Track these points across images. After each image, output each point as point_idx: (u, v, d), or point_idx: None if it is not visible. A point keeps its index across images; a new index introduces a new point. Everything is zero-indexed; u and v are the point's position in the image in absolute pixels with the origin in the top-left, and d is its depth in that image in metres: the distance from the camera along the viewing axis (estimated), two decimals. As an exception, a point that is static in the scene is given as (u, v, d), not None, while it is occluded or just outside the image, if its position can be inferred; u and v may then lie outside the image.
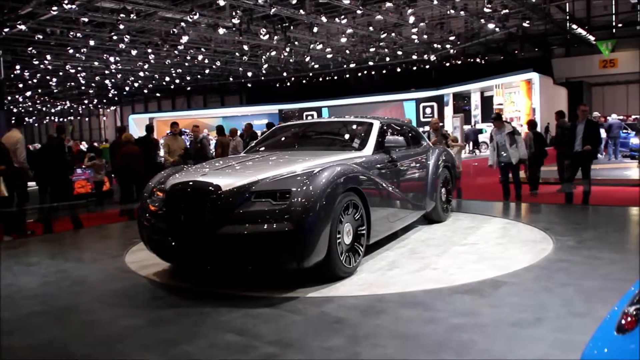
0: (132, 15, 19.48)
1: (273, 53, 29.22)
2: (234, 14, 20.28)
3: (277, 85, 41.94)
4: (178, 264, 5.06)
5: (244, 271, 4.63)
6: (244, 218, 4.12)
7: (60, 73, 32.65)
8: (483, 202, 9.36)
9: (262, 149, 6.19)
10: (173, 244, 4.39)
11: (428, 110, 35.11)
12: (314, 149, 5.97)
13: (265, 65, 34.03)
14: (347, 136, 6.21)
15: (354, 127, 6.40)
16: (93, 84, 39.38)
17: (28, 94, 40.07)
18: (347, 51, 30.49)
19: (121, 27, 20.65)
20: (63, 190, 9.10)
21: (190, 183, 4.40)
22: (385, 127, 6.21)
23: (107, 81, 38.26)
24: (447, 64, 34.60)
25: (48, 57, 26.80)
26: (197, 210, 4.23)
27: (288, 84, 41.30)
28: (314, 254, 4.11)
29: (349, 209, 4.55)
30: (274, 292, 4.27)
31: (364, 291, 4.16)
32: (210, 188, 4.23)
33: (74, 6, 17.41)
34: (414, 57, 32.55)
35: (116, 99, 49.32)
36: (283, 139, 6.58)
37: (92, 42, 23.11)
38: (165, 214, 4.50)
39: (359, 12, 21.90)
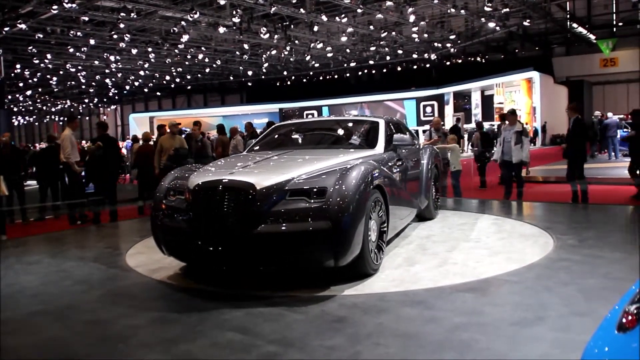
0: (132, 14, 19.49)
1: (273, 52, 29.22)
2: (234, 12, 20.29)
3: (278, 84, 41.95)
4: (203, 266, 4.91)
5: (278, 271, 4.56)
6: (281, 217, 4.07)
7: (61, 72, 32.66)
8: (476, 200, 9.36)
9: (269, 147, 5.99)
10: (204, 246, 4.20)
11: (428, 109, 35.09)
12: (325, 147, 5.92)
13: (266, 64, 34.04)
14: (357, 134, 6.18)
15: (362, 125, 6.41)
16: (93, 83, 39.39)
17: (28, 93, 40.08)
18: (348, 50, 30.48)
19: (121, 26, 20.65)
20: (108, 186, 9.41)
21: (222, 182, 4.22)
22: (389, 125, 6.29)
23: (107, 80, 38.27)
24: (448, 63, 34.61)
25: (48, 56, 26.80)
26: (231, 209, 4.10)
27: (288, 82, 41.31)
28: (351, 251, 4.11)
29: (376, 207, 4.58)
30: (275, 291, 4.28)
31: (398, 287, 4.18)
32: (245, 187, 4.12)
33: (74, 5, 17.41)
34: (415, 56, 32.55)
35: (117, 98, 49.32)
36: (290, 137, 6.46)
37: (92, 41, 23.12)
38: (192, 215, 4.32)
39: (359, 11, 21.89)
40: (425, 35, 27.85)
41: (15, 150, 10.33)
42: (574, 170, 8.93)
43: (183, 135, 10.81)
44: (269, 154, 5.33)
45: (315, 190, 4.16)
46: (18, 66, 28.42)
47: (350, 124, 6.64)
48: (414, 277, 4.44)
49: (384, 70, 36.98)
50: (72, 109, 53.09)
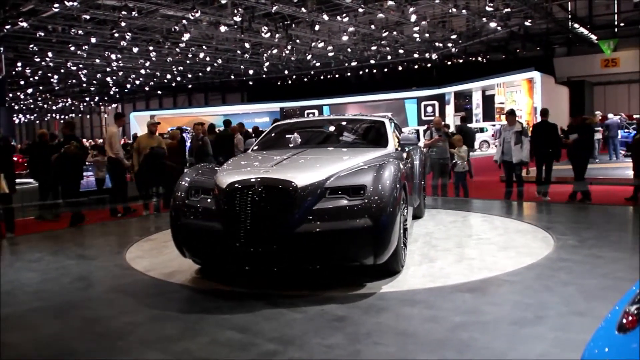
0: (133, 13, 19.48)
1: (274, 51, 29.22)
2: (235, 11, 20.29)
3: (279, 83, 41.93)
4: (234, 269, 4.71)
5: (317, 269, 4.45)
6: (323, 215, 4.02)
7: (62, 70, 32.65)
8: (478, 200, 9.35)
9: (278, 146, 5.82)
10: (244, 247, 4.02)
11: (429, 109, 35.09)
12: (339, 145, 5.81)
13: (267, 63, 34.02)
14: (367, 133, 6.15)
15: (369, 124, 6.40)
16: (94, 82, 39.40)
17: (29, 91, 40.09)
18: (349, 49, 30.47)
19: (123, 24, 20.66)
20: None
21: (261, 181, 4.08)
22: (392, 124, 6.30)
23: (108, 78, 38.25)
24: (449, 63, 34.58)
25: (49, 54, 26.79)
26: (273, 208, 3.99)
27: (289, 82, 41.28)
28: (389, 248, 4.13)
29: (403, 204, 4.61)
30: (274, 289, 4.28)
31: (434, 282, 4.24)
32: (287, 185, 4.02)
33: (75, 3, 17.40)
34: (416, 55, 32.52)
35: (117, 96, 49.32)
36: (298, 136, 6.25)
37: (93, 40, 23.10)
38: (227, 215, 4.11)
39: (360, 10, 21.89)
40: (427, 34, 27.83)
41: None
42: (541, 172, 9.09)
43: (186, 134, 10.78)
44: (283, 152, 5.08)
45: (354, 188, 4.13)
46: (19, 64, 28.42)
47: (356, 123, 6.58)
48: (442, 273, 4.49)
49: (385, 70, 36.94)
50: (72, 107, 53.16)
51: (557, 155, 9.31)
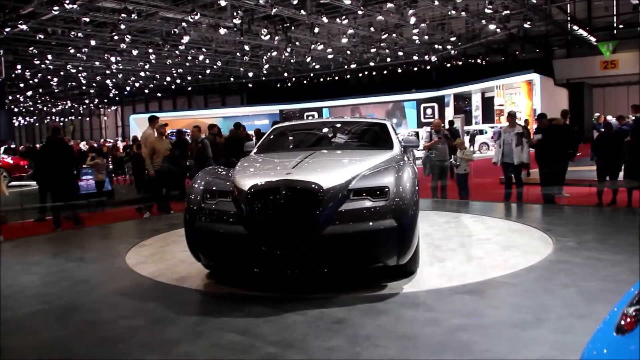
0: (133, 15, 19.47)
1: (274, 53, 29.21)
2: (235, 14, 20.29)
3: (278, 85, 41.93)
4: (257, 272, 4.65)
5: (340, 272, 4.48)
6: (349, 216, 4.03)
7: (61, 73, 32.64)
8: (477, 202, 9.36)
9: (283, 149, 5.81)
10: (270, 251, 3.98)
11: (429, 111, 35.11)
12: (347, 147, 5.75)
13: (266, 66, 34.02)
14: (372, 136, 6.12)
15: (372, 126, 6.39)
16: (94, 84, 39.38)
17: (29, 93, 40.08)
18: (348, 52, 30.47)
19: (122, 27, 20.64)
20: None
21: (286, 183, 4.05)
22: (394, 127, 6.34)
23: (108, 81, 38.25)
24: (448, 65, 34.58)
25: (49, 56, 26.79)
26: (300, 211, 3.97)
27: (289, 84, 41.29)
28: (411, 249, 4.17)
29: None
30: (275, 292, 4.29)
31: (451, 282, 4.28)
32: (313, 187, 4.01)
33: (75, 6, 17.41)
34: (415, 57, 32.55)
35: (117, 98, 49.32)
36: (301, 138, 6.24)
37: (93, 42, 23.09)
38: (252, 219, 4.06)
39: (360, 12, 21.90)
40: (426, 37, 27.84)
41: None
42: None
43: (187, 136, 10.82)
44: (293, 155, 4.99)
45: (377, 189, 4.16)
46: (19, 67, 28.39)
47: (357, 125, 6.55)
48: (455, 272, 4.54)
49: (385, 72, 36.96)
50: (72, 110, 53.13)
51: (573, 155, 9.33)
